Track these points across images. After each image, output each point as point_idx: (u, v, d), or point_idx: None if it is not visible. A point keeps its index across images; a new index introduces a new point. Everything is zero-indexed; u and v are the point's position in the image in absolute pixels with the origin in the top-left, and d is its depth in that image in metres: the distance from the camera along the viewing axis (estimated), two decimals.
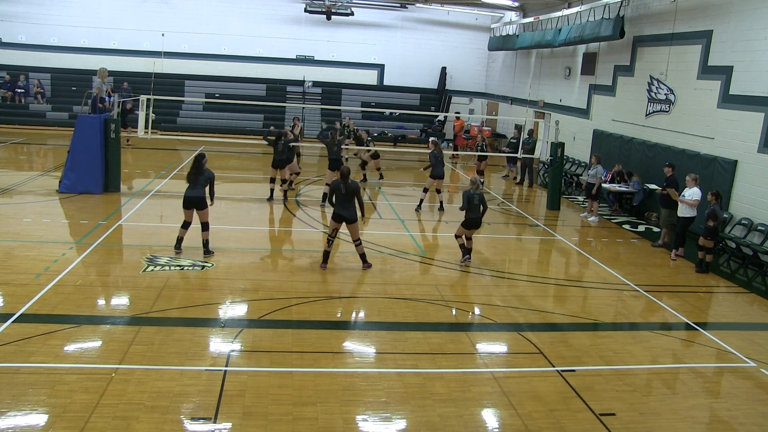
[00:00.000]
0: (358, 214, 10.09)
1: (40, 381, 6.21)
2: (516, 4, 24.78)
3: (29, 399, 5.87)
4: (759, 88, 12.67)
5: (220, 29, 27.74)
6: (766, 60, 12.55)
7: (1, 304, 8.06)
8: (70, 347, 7.02)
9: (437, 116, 28.44)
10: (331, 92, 28.52)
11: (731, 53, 13.54)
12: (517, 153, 18.49)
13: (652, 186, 14.81)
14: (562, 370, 7.21)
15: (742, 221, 12.78)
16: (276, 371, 6.79)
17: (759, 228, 12.30)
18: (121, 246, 11.00)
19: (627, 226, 15.03)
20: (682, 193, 12.16)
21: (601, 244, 13.46)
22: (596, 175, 15.19)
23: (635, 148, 16.84)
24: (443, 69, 29.32)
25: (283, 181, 15.03)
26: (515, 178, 20.28)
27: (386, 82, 29.44)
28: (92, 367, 6.59)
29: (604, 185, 15.71)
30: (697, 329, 8.83)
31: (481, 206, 10.86)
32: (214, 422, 5.73)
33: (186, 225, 10.56)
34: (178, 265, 9.91)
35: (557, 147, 16.50)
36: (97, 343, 7.19)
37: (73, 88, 25.77)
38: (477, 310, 9.05)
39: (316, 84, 28.24)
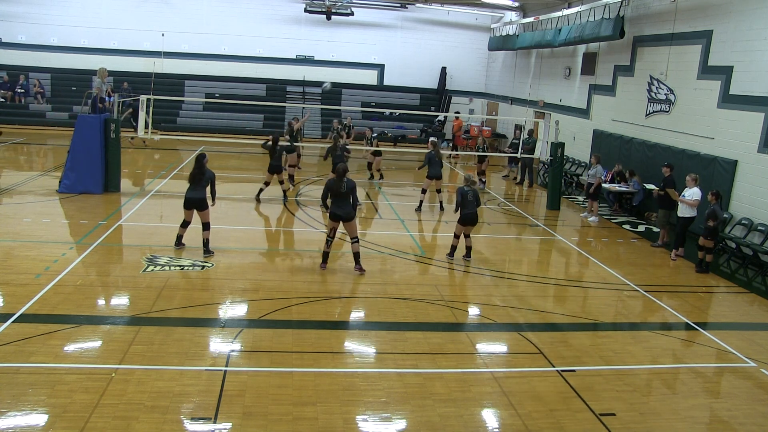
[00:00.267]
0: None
1: (40, 381, 6.21)
2: (516, 4, 24.78)
3: (29, 399, 5.87)
4: (759, 88, 12.67)
5: (220, 29, 27.74)
6: (766, 60, 12.55)
7: (1, 304, 8.06)
8: (70, 347, 7.02)
9: (437, 116, 28.44)
10: (331, 92, 28.45)
11: (731, 53, 13.54)
12: (517, 153, 18.50)
13: (650, 186, 14.81)
14: (562, 370, 7.21)
15: (742, 221, 12.78)
16: (276, 371, 6.78)
17: (759, 228, 12.30)
18: (121, 246, 11.00)
19: (627, 226, 15.03)
20: (682, 193, 12.16)
21: (601, 244, 13.46)
22: (596, 175, 15.20)
23: (635, 148, 16.84)
24: (443, 69, 29.32)
25: (281, 182, 14.93)
26: (515, 178, 20.28)
27: (386, 82, 29.45)
28: (92, 367, 6.59)
29: (604, 185, 15.71)
30: (697, 329, 8.83)
31: (476, 202, 10.93)
32: (214, 422, 5.73)
33: (185, 224, 10.58)
34: (178, 265, 9.91)
35: (557, 147, 16.51)
36: (97, 343, 7.19)
37: (73, 88, 25.78)
38: (477, 310, 9.05)
39: (315, 84, 28.21)
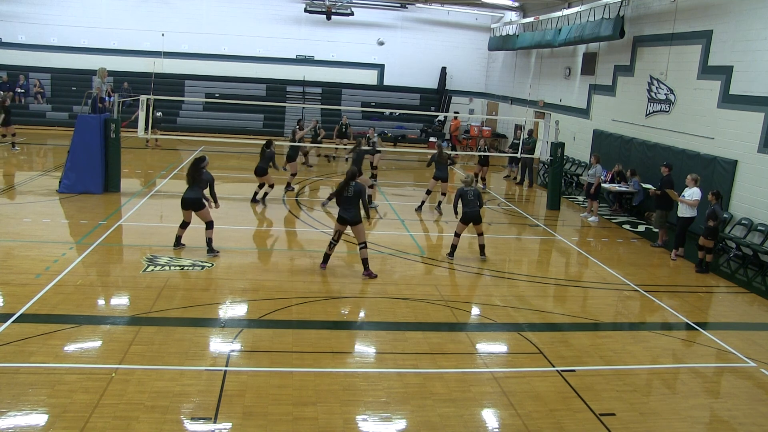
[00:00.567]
0: (362, 214, 9.97)
1: (40, 381, 6.21)
2: (516, 4, 24.77)
3: (29, 399, 5.87)
4: (759, 88, 12.67)
5: (220, 29, 27.73)
6: (766, 60, 12.55)
7: (1, 304, 8.06)
8: (70, 347, 7.02)
9: (437, 116, 28.43)
10: (331, 92, 28.52)
11: (731, 53, 13.54)
12: (517, 153, 18.48)
13: (647, 186, 14.80)
14: (562, 370, 7.21)
15: (742, 221, 12.77)
16: (276, 371, 6.78)
17: (759, 228, 12.30)
18: (121, 246, 11.00)
19: (627, 226, 15.03)
20: (682, 193, 12.16)
21: (601, 244, 13.46)
22: (595, 175, 15.20)
23: (635, 148, 16.84)
24: (443, 69, 29.31)
25: (270, 186, 14.80)
26: (515, 178, 20.27)
27: (386, 82, 29.44)
28: (92, 367, 6.59)
29: (604, 185, 15.71)
30: (697, 329, 8.83)
31: (478, 201, 10.91)
32: (214, 422, 5.73)
33: (184, 225, 10.59)
34: (179, 265, 9.91)
35: (557, 147, 16.51)
36: (97, 343, 7.19)
37: (73, 88, 25.79)
38: (477, 310, 9.05)
39: (315, 84, 28.23)
